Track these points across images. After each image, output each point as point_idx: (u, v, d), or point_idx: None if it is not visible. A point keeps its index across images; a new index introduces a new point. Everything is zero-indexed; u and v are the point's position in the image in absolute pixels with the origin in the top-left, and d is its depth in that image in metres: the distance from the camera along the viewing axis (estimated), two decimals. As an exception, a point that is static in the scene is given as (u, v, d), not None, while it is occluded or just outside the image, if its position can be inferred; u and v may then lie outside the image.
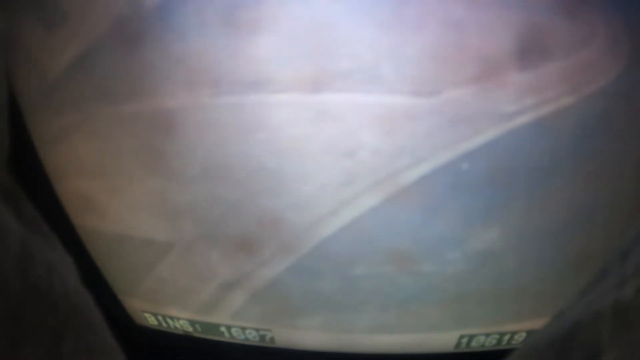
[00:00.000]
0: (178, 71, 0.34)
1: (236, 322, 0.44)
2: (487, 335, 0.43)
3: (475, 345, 0.43)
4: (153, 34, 0.33)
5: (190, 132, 0.36)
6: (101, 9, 0.33)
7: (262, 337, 0.44)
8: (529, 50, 0.32)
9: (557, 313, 0.28)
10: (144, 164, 0.37)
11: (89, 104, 0.36)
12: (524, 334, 0.43)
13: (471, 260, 0.39)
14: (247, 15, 0.32)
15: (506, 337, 0.43)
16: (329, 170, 0.36)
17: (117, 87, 0.35)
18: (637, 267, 0.23)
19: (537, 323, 0.42)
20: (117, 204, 0.40)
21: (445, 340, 0.43)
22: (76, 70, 0.35)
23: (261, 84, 0.34)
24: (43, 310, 0.24)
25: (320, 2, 0.32)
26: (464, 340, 0.43)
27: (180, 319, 0.45)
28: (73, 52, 0.34)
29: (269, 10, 0.32)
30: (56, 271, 0.25)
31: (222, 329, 0.44)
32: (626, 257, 0.24)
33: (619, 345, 0.22)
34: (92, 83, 0.35)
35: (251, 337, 0.44)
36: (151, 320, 0.45)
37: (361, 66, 0.33)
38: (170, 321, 0.45)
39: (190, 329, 0.45)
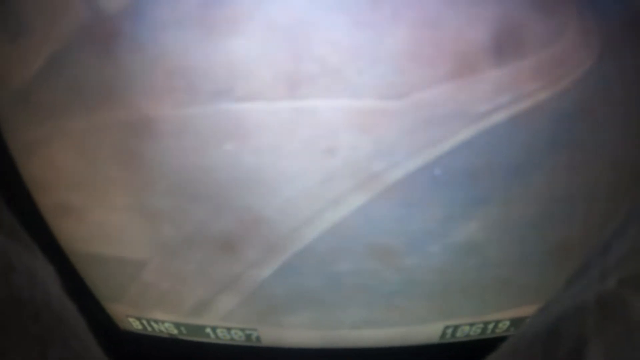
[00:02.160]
0: (152, 73, 0.34)
1: (221, 323, 0.44)
2: (472, 325, 0.43)
3: (460, 335, 0.44)
4: (125, 36, 0.33)
5: (168, 134, 0.35)
6: (65, 17, 0.33)
7: (248, 337, 0.44)
8: (503, 47, 0.32)
9: (542, 306, 0.28)
10: (121, 169, 0.37)
11: (62, 111, 0.36)
12: (507, 323, 0.43)
13: (453, 252, 0.39)
14: (223, 14, 0.32)
15: (490, 326, 0.43)
16: (308, 169, 0.36)
17: (90, 92, 0.34)
18: (618, 260, 0.23)
19: (520, 311, 0.42)
20: (96, 210, 0.40)
21: (430, 331, 0.44)
22: (47, 78, 0.34)
23: (238, 84, 0.34)
24: (26, 319, 0.24)
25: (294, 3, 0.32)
26: (449, 331, 0.44)
27: (164, 322, 0.44)
28: (41, 61, 0.34)
29: (244, 10, 0.32)
30: (38, 280, 0.25)
31: (208, 330, 0.44)
32: (607, 251, 0.24)
33: (603, 336, 0.22)
34: (64, 90, 0.35)
35: (237, 337, 0.44)
36: (135, 325, 0.45)
37: (328, 69, 0.33)
38: (154, 325, 0.45)
39: (175, 332, 0.45)
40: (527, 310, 0.42)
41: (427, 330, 0.44)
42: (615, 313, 0.22)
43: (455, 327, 0.43)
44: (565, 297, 0.26)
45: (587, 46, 0.33)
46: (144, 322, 0.45)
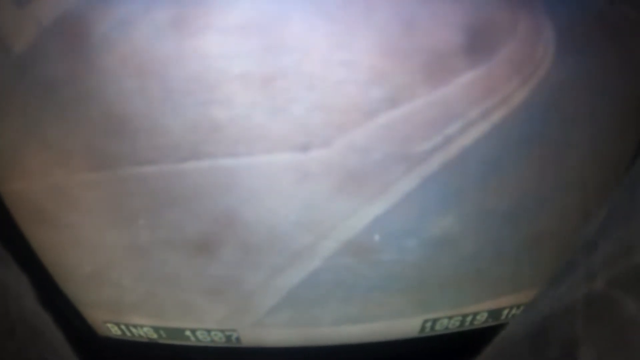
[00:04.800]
0: (126, 74, 0.33)
1: (201, 325, 0.44)
2: (450, 318, 0.44)
3: (439, 328, 0.44)
4: (97, 36, 0.32)
5: (141, 133, 0.35)
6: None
7: (228, 338, 0.44)
8: (473, 49, 0.33)
9: (527, 306, 0.28)
10: (95, 169, 0.37)
11: (33, 112, 0.35)
12: (485, 314, 0.44)
13: (429, 246, 0.39)
14: (196, 12, 0.32)
15: (469, 319, 0.44)
16: (282, 166, 0.36)
17: (63, 89, 0.34)
18: (605, 259, 0.23)
19: (497, 303, 0.43)
20: (69, 213, 0.39)
21: (409, 325, 0.44)
22: (17, 79, 0.34)
23: (210, 81, 0.33)
24: (0, 335, 0.23)
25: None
26: (428, 325, 0.44)
27: (143, 326, 0.44)
28: (8, 62, 0.34)
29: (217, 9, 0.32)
30: (11, 294, 0.25)
31: (187, 333, 0.44)
32: (592, 250, 0.24)
33: (593, 338, 0.22)
34: (35, 91, 0.34)
35: (217, 338, 0.44)
36: (114, 330, 0.45)
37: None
38: (133, 329, 0.44)
39: (155, 336, 0.45)
40: (504, 301, 0.43)
41: (406, 325, 0.44)
42: (605, 314, 0.22)
43: (434, 321, 0.44)
44: (551, 297, 0.25)
45: (543, 42, 0.33)
46: (123, 327, 0.44)
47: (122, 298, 0.43)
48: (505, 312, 0.44)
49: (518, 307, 0.43)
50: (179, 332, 0.44)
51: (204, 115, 0.34)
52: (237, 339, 0.44)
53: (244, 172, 0.36)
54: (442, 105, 0.34)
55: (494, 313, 0.44)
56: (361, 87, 0.33)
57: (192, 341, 0.44)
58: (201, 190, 0.37)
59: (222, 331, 0.44)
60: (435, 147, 0.35)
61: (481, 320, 0.44)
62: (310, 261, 0.39)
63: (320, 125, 0.34)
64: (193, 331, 0.44)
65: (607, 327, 0.22)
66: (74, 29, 0.32)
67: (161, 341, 0.45)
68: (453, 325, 0.44)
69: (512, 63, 0.33)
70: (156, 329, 0.44)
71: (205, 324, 0.43)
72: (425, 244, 0.39)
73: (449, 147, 0.35)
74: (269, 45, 0.32)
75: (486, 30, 0.32)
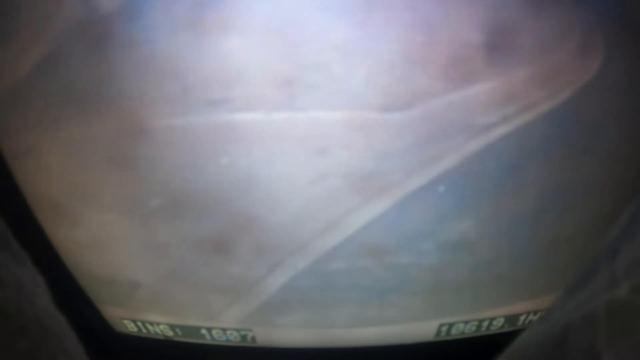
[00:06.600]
0: (145, 77, 0.33)
1: (216, 324, 0.44)
2: (466, 322, 0.43)
3: (455, 333, 0.44)
4: (118, 37, 0.32)
5: (161, 134, 0.35)
6: (58, 14, 0.33)
7: (244, 338, 0.44)
8: (502, 52, 0.32)
9: (543, 315, 0.27)
10: (115, 172, 0.37)
11: (54, 114, 0.35)
12: (502, 320, 0.43)
13: (446, 250, 0.39)
14: (216, 14, 0.32)
15: (485, 324, 0.43)
16: (300, 168, 0.36)
17: (82, 96, 0.34)
18: (629, 266, 0.22)
19: (514, 308, 0.42)
20: (89, 212, 0.39)
21: (425, 329, 0.44)
22: (39, 79, 0.34)
23: (233, 93, 0.33)
24: (12, 333, 0.23)
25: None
26: (444, 329, 0.44)
27: (160, 324, 0.44)
28: (32, 63, 0.34)
29: (239, 11, 0.32)
30: (26, 292, 0.25)
31: (203, 331, 0.44)
32: (615, 255, 0.23)
33: (616, 349, 0.21)
34: (57, 91, 0.35)
35: (232, 338, 0.44)
36: (130, 327, 0.45)
37: (328, 78, 0.33)
38: (150, 327, 0.45)
39: (170, 334, 0.45)
40: (520, 306, 0.43)
41: (422, 329, 0.44)
42: (629, 322, 0.21)
43: (450, 325, 0.43)
44: (570, 306, 0.24)
45: (590, 53, 0.32)
46: (139, 324, 0.45)
47: (140, 296, 0.43)
48: (522, 317, 0.43)
49: (535, 313, 0.43)
50: (195, 330, 0.44)
51: (223, 115, 0.34)
52: (253, 338, 0.44)
53: (266, 164, 0.36)
54: (463, 105, 0.33)
55: (511, 318, 0.43)
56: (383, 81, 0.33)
57: (208, 340, 0.45)
58: (220, 188, 0.37)
59: (238, 330, 0.44)
60: (453, 147, 0.35)
61: (498, 325, 0.43)
62: (326, 262, 0.39)
63: (340, 128, 0.34)
64: (209, 330, 0.44)
65: (631, 336, 0.21)
66: (96, 32, 0.32)
67: (177, 339, 0.45)
68: (469, 330, 0.44)
69: (559, 70, 0.33)
70: (172, 327, 0.44)
71: (221, 322, 0.44)
72: (442, 247, 0.39)
73: (467, 147, 0.35)
74: (296, 41, 0.32)
75: (538, 33, 0.32)
